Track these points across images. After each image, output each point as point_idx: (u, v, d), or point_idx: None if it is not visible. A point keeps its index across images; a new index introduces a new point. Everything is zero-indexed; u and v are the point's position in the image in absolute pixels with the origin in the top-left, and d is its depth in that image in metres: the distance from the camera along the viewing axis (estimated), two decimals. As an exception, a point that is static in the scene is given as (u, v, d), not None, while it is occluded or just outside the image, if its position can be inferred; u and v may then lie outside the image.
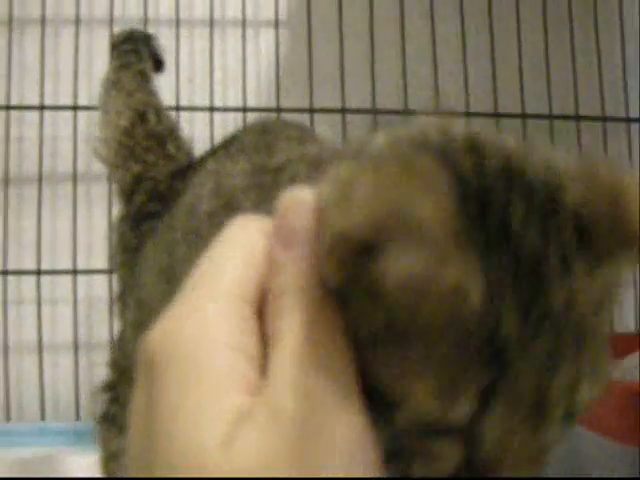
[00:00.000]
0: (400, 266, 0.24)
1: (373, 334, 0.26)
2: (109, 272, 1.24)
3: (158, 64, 0.96)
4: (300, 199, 0.28)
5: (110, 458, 0.72)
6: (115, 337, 0.79)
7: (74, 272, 1.26)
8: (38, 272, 1.25)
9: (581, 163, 0.30)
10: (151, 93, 0.89)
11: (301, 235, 0.27)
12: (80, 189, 1.27)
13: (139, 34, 0.96)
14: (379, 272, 0.24)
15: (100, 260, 1.25)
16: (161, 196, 0.75)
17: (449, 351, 0.26)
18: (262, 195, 0.50)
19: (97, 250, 1.27)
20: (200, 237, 0.56)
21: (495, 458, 0.27)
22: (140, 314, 0.69)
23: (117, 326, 0.80)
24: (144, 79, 0.89)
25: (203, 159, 0.74)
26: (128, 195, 0.80)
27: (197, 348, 0.25)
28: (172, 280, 0.58)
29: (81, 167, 1.28)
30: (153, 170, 0.79)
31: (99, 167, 1.25)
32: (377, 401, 0.26)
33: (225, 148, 0.69)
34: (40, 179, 1.26)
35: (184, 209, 0.65)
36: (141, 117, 0.83)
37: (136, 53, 0.91)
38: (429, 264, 0.23)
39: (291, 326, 0.26)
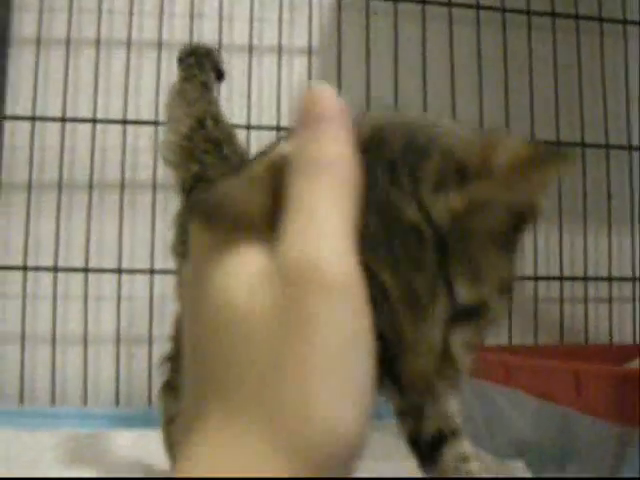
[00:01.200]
0: None
1: None
2: (150, 272, 1.37)
3: (219, 74, 1.04)
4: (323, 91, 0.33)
5: (169, 421, 0.84)
6: (175, 316, 0.89)
7: (118, 271, 1.38)
8: (86, 270, 1.37)
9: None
10: (211, 102, 0.98)
11: (335, 110, 0.32)
12: (126, 196, 1.40)
13: (202, 48, 1.04)
14: None
15: (142, 261, 1.38)
16: None
17: None
18: None
19: (140, 252, 1.39)
20: None
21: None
22: None
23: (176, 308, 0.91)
24: (206, 89, 0.98)
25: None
26: (188, 191, 0.90)
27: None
28: None
29: (128, 176, 1.40)
30: (210, 170, 0.89)
31: (144, 176, 1.39)
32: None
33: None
34: (90, 186, 1.39)
35: None
36: (200, 123, 0.92)
37: (199, 66, 0.99)
38: None
39: (323, 196, 0.31)
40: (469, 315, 0.34)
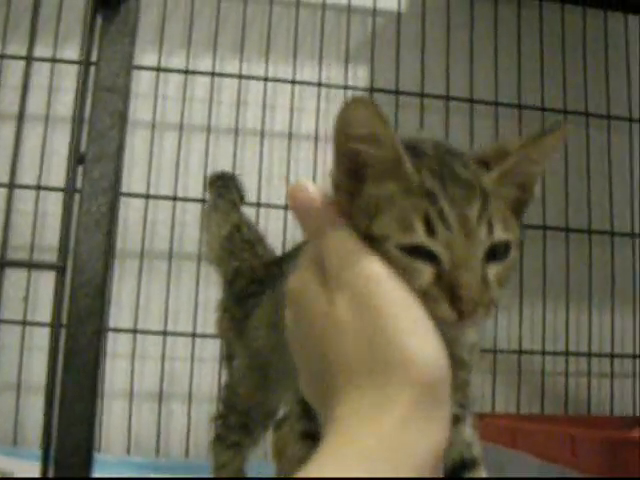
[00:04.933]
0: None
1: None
2: (192, 335, 1.51)
3: (241, 196, 1.20)
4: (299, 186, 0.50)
5: (220, 467, 0.99)
6: (226, 383, 1.03)
7: (164, 333, 1.52)
8: (134, 331, 1.52)
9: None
10: (241, 214, 1.16)
11: (313, 202, 0.49)
12: (173, 265, 1.55)
13: (227, 174, 1.22)
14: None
15: (185, 324, 1.52)
16: (259, 280, 1.01)
17: (401, 200, 0.47)
18: None
19: (183, 316, 1.53)
20: None
21: (450, 266, 0.46)
22: (253, 361, 0.95)
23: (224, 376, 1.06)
24: (235, 205, 1.16)
25: (295, 250, 0.95)
26: (230, 282, 1.06)
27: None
28: (278, 331, 0.77)
29: (175, 247, 1.55)
30: (247, 263, 1.06)
31: (190, 248, 1.54)
32: (374, 241, 0.47)
33: None
34: (142, 254, 1.54)
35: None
36: (237, 228, 1.11)
37: (226, 188, 1.17)
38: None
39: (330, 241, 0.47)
40: (499, 253, 0.48)
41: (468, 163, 0.51)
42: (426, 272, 0.46)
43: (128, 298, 1.53)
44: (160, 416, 1.51)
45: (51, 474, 0.74)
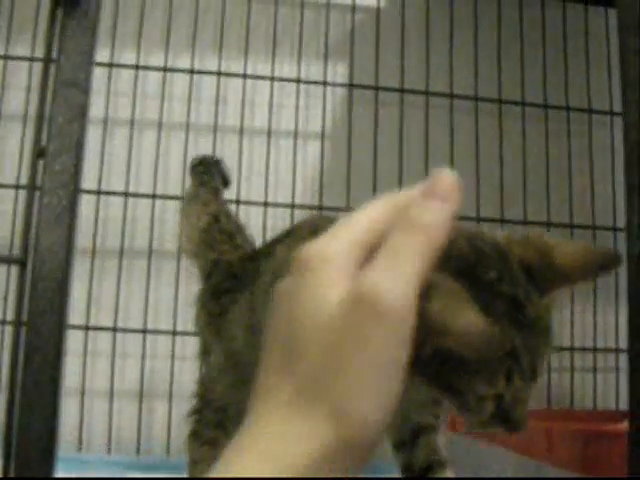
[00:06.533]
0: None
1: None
2: (172, 333, 1.51)
3: (225, 181, 1.20)
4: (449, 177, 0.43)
5: (194, 464, 0.97)
6: (201, 378, 1.03)
7: (144, 331, 1.52)
8: (114, 329, 1.51)
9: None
10: (221, 203, 1.13)
11: (451, 195, 0.42)
12: (153, 263, 1.54)
13: (209, 158, 1.21)
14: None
15: (165, 322, 1.52)
16: (235, 275, 0.99)
17: (488, 362, 0.49)
18: None
19: (164, 314, 1.53)
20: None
21: (509, 406, 0.50)
22: (230, 360, 0.94)
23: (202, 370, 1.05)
24: (216, 193, 1.14)
25: (269, 247, 0.97)
26: (207, 275, 1.04)
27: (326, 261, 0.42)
28: (257, 332, 0.76)
29: (155, 245, 1.55)
30: (226, 256, 1.04)
31: (170, 246, 1.53)
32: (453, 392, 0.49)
33: (286, 237, 0.93)
34: (121, 252, 1.54)
35: (263, 284, 0.87)
36: (215, 219, 1.08)
37: (208, 174, 1.15)
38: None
39: (411, 246, 0.40)
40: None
41: (530, 292, 0.51)
42: (489, 410, 0.50)
43: (108, 296, 1.53)
44: (141, 414, 1.50)
45: (12, 473, 0.74)
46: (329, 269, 0.41)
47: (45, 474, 0.73)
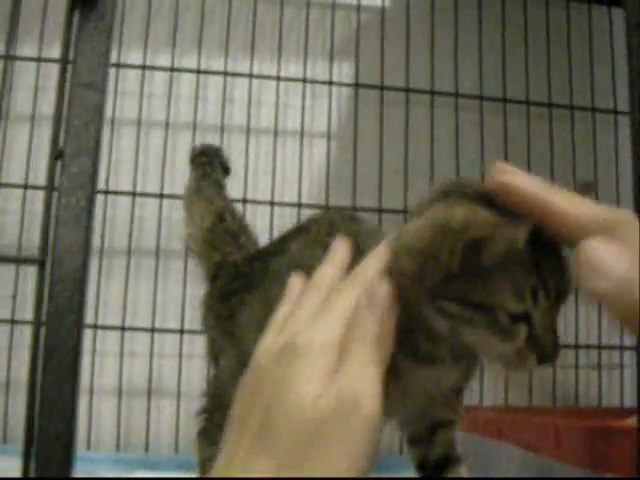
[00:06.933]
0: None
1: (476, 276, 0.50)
2: (180, 332, 1.51)
3: (226, 170, 1.17)
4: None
5: (203, 462, 0.97)
6: (211, 378, 1.02)
7: (152, 330, 1.52)
8: (122, 328, 1.52)
9: None
10: (225, 198, 1.12)
11: (382, 301, 0.50)
12: (161, 262, 1.55)
13: (210, 148, 1.18)
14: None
15: (173, 321, 1.52)
16: (242, 275, 0.98)
17: (515, 275, 0.50)
18: None
19: (171, 313, 1.53)
20: None
21: (540, 330, 0.51)
22: (241, 363, 0.93)
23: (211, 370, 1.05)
24: (219, 187, 1.12)
25: (279, 244, 0.95)
26: (212, 277, 1.03)
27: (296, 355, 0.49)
28: None
29: (162, 244, 1.56)
30: (230, 257, 1.03)
31: (177, 245, 1.54)
32: (483, 309, 0.50)
33: (299, 234, 0.91)
34: (129, 252, 1.55)
35: (277, 283, 0.87)
36: (220, 218, 1.07)
37: (210, 164, 1.13)
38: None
39: (364, 352, 0.48)
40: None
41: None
42: (523, 333, 0.51)
43: (116, 296, 1.53)
44: (149, 412, 1.51)
45: (32, 472, 0.75)
46: (314, 364, 0.47)
47: (65, 474, 0.74)
